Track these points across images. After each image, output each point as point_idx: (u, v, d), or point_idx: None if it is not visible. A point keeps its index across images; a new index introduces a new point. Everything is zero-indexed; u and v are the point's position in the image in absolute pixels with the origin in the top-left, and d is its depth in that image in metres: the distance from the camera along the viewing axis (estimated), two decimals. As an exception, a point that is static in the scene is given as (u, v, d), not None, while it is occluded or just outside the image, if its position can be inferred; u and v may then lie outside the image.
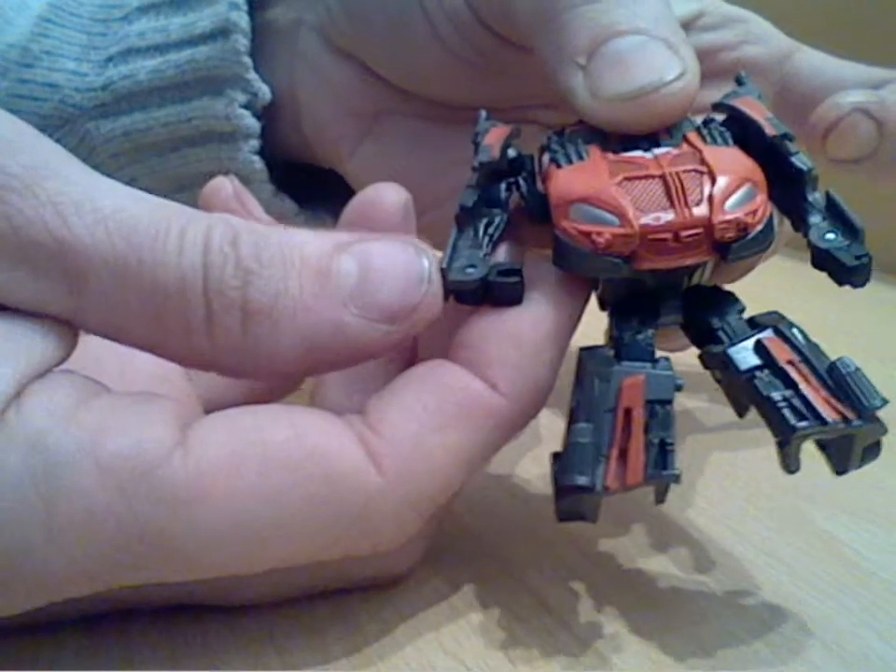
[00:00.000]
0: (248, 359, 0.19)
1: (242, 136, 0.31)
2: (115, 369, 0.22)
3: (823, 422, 0.19)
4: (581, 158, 0.21)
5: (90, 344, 0.20)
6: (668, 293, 0.21)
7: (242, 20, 0.31)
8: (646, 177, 0.21)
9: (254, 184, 0.31)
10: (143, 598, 0.20)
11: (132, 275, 0.18)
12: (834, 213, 0.21)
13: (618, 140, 0.22)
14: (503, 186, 0.23)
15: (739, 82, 0.24)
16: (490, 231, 0.22)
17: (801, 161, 0.22)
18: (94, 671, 0.20)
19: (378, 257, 0.20)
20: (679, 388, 0.20)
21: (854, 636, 0.21)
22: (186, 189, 0.32)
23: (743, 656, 0.20)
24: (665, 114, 0.22)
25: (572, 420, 0.20)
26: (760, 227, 0.20)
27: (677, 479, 0.19)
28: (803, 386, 0.19)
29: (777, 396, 0.19)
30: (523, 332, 0.20)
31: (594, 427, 0.19)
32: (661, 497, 0.20)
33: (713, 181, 0.20)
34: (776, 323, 0.21)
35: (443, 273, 0.21)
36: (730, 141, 0.22)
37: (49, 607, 0.18)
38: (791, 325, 0.21)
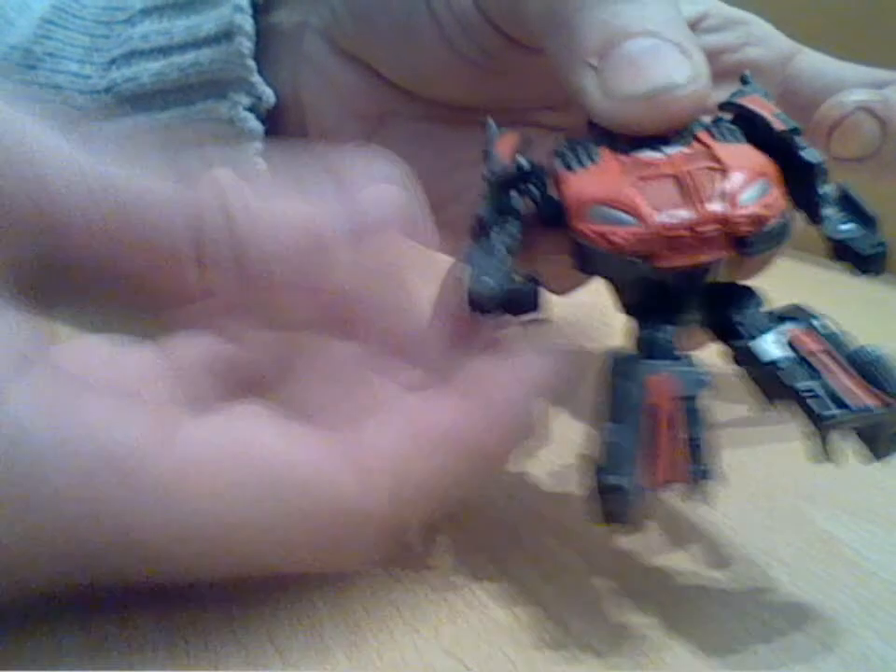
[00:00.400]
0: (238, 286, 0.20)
1: (245, 139, 0.31)
2: (101, 369, 0.22)
3: (849, 410, 0.19)
4: (592, 160, 0.22)
5: (75, 345, 0.20)
6: (688, 291, 0.21)
7: (246, 23, 0.31)
8: (660, 176, 0.21)
9: None
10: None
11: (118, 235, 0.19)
12: (847, 203, 0.21)
13: (628, 142, 0.22)
14: (515, 193, 0.23)
15: (744, 81, 0.24)
16: (505, 239, 0.22)
17: (811, 154, 0.22)
18: (94, 671, 0.20)
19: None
20: (705, 384, 0.20)
21: (854, 636, 0.21)
22: None
23: (742, 656, 0.20)
24: (676, 115, 0.22)
25: (602, 422, 0.20)
26: (776, 220, 0.20)
27: (709, 475, 0.19)
28: (827, 376, 0.19)
29: (801, 386, 0.19)
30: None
31: (623, 426, 0.19)
32: (695, 494, 0.20)
33: (727, 177, 0.20)
34: (796, 314, 0.21)
35: (460, 283, 0.21)
36: (741, 138, 0.22)
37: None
38: (812, 314, 0.21)
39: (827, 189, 0.22)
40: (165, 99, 0.32)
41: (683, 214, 0.20)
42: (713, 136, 0.22)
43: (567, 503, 0.26)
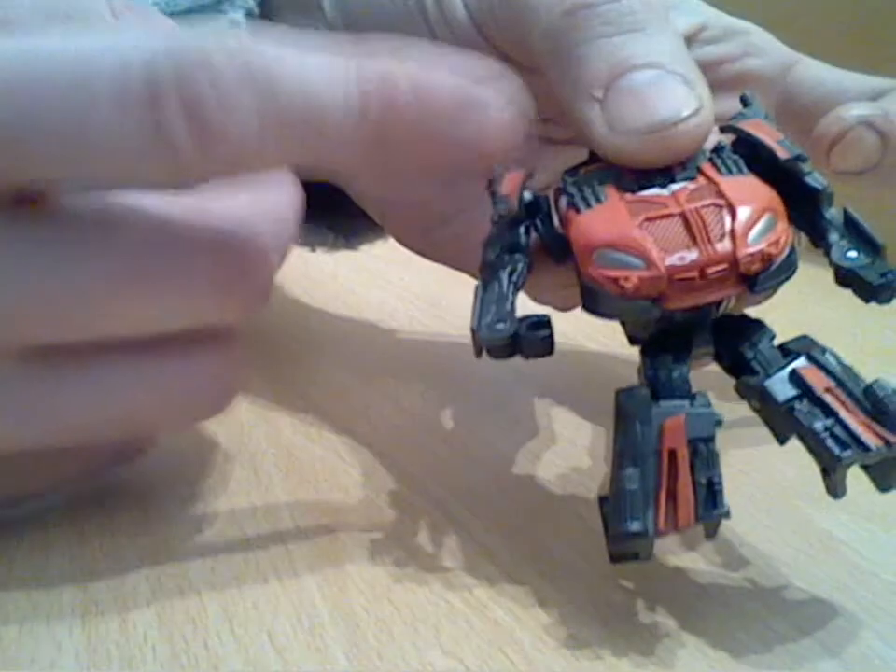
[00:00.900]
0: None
1: None
2: None
3: (866, 448, 0.19)
4: (599, 201, 0.21)
5: None
6: (697, 327, 0.22)
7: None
8: (666, 216, 0.21)
9: None
10: None
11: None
12: (853, 230, 0.21)
13: (632, 176, 0.22)
14: (522, 230, 0.23)
15: (745, 103, 0.24)
16: (514, 279, 0.22)
17: (816, 180, 0.22)
18: (94, 671, 0.20)
19: None
20: (719, 424, 0.20)
21: (854, 636, 0.21)
22: None
23: (742, 656, 0.20)
24: (681, 149, 0.22)
25: (618, 465, 0.20)
26: (783, 255, 0.20)
27: (727, 515, 0.20)
28: (842, 414, 0.19)
29: (818, 426, 0.19)
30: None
31: (640, 471, 0.20)
32: (712, 534, 0.20)
33: (733, 214, 0.20)
34: (808, 349, 0.21)
35: (473, 331, 0.21)
36: (744, 169, 0.22)
37: None
38: (824, 349, 0.21)
39: (832, 213, 0.22)
40: None
41: (692, 255, 0.20)
42: (717, 169, 0.22)
43: (568, 503, 0.26)
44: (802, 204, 0.21)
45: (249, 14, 0.31)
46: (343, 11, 0.30)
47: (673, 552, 0.24)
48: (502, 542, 0.24)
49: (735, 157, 0.22)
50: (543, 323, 0.21)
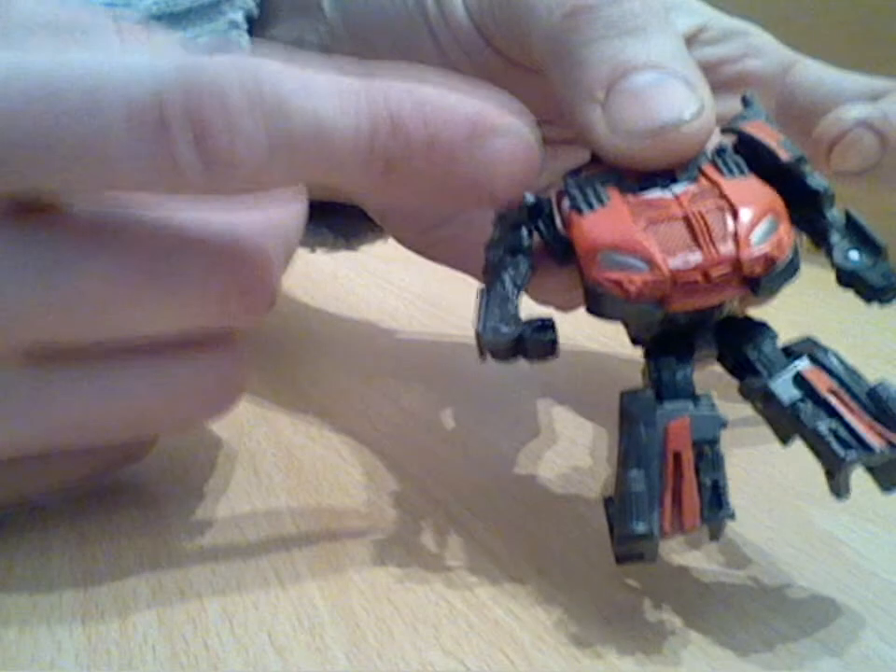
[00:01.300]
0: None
1: None
2: None
3: (870, 450, 0.19)
4: (601, 202, 0.21)
5: None
6: (701, 328, 0.22)
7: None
8: (669, 219, 0.21)
9: None
10: None
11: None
12: (855, 231, 0.21)
13: (634, 178, 0.22)
14: (524, 232, 0.23)
15: (746, 104, 0.24)
16: (517, 281, 0.22)
17: (817, 181, 0.22)
18: (94, 671, 0.20)
19: None
20: (723, 426, 0.20)
21: (855, 636, 0.21)
22: None
23: (741, 656, 0.20)
24: (683, 151, 0.22)
25: (623, 467, 0.20)
26: (786, 257, 0.20)
27: (732, 517, 0.20)
28: (846, 415, 0.19)
29: (822, 427, 0.19)
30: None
31: (645, 473, 0.20)
32: (716, 536, 0.20)
33: (735, 216, 0.20)
34: (812, 351, 0.21)
35: (477, 334, 0.21)
36: (745, 170, 0.22)
37: None
38: (827, 351, 0.21)
39: (834, 214, 0.22)
40: None
41: (696, 258, 0.20)
42: (719, 170, 0.22)
43: (569, 503, 0.26)
44: (803, 206, 0.21)
45: (249, 15, 0.31)
46: (343, 12, 0.30)
47: (675, 551, 0.24)
48: (503, 542, 0.24)
49: (737, 158, 0.22)
50: (547, 326, 0.21)
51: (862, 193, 0.27)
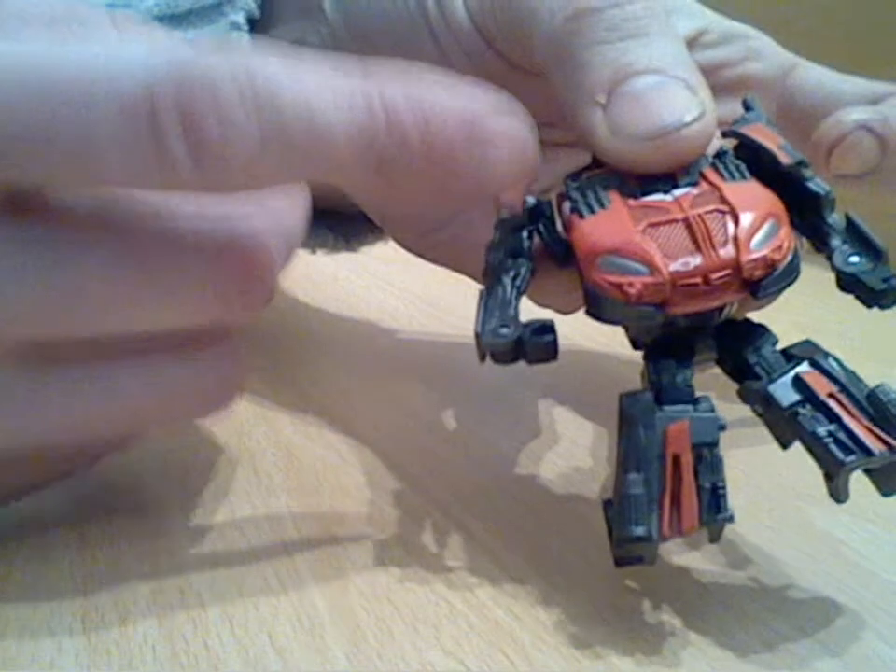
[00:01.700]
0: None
1: None
2: None
3: (870, 453, 0.19)
4: (602, 206, 0.21)
5: None
6: (701, 331, 0.22)
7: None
8: (670, 222, 0.21)
9: None
10: None
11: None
12: (855, 235, 0.21)
13: (635, 181, 0.22)
14: (525, 235, 0.23)
15: (746, 107, 0.24)
16: (517, 283, 0.22)
17: (817, 185, 0.22)
18: (94, 671, 0.20)
19: None
20: (722, 429, 0.20)
21: (855, 636, 0.21)
22: None
23: (741, 656, 0.20)
24: (684, 155, 0.22)
25: (622, 469, 0.20)
26: (786, 261, 0.20)
27: (731, 520, 0.20)
28: (846, 419, 0.19)
29: (822, 431, 0.19)
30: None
31: (644, 475, 0.20)
32: (716, 538, 0.20)
33: (736, 220, 0.20)
34: (811, 354, 0.21)
35: (477, 336, 0.21)
36: (746, 174, 0.22)
37: None
38: (827, 354, 0.21)
39: (835, 218, 0.22)
40: None
41: (696, 262, 0.20)
42: (720, 174, 0.22)
43: (569, 503, 0.26)
44: (804, 209, 0.21)
45: (250, 16, 0.31)
46: (344, 14, 0.30)
47: (675, 552, 0.24)
48: (503, 542, 0.24)
49: (738, 162, 0.22)
50: (547, 328, 0.21)
51: (862, 196, 0.27)
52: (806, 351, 0.21)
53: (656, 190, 0.21)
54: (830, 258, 0.21)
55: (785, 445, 0.21)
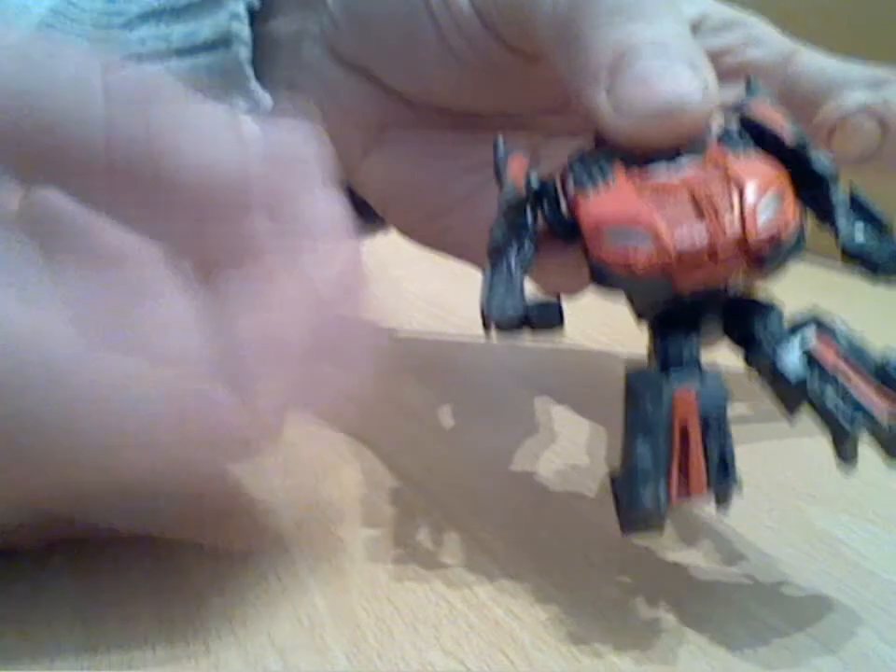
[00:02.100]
0: (149, 175, 0.19)
1: None
2: None
3: (876, 422, 0.19)
4: (606, 182, 0.21)
5: None
6: (707, 304, 0.21)
7: (243, 31, 0.30)
8: (675, 196, 0.21)
9: None
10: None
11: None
12: (860, 210, 0.21)
13: (640, 157, 0.22)
14: (529, 213, 0.23)
15: (749, 87, 0.24)
16: (522, 261, 0.22)
17: (823, 164, 0.22)
18: (94, 671, 0.20)
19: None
20: (730, 396, 0.20)
21: (854, 636, 0.21)
22: None
23: (741, 656, 0.20)
24: (688, 130, 0.22)
25: (629, 441, 0.20)
26: (792, 232, 0.20)
27: (740, 486, 0.20)
28: (852, 388, 0.19)
29: (829, 401, 0.19)
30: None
31: (651, 446, 0.20)
32: (724, 501, 0.20)
33: (741, 192, 0.20)
34: (817, 324, 0.21)
35: (482, 311, 0.21)
36: (751, 147, 0.22)
37: None
38: (833, 323, 0.21)
39: (839, 195, 0.22)
40: None
41: (701, 234, 0.20)
42: (724, 150, 0.22)
43: (567, 502, 0.26)
44: (808, 186, 0.21)
45: (250, 6, 0.31)
46: (345, 3, 0.30)
47: (674, 550, 0.24)
48: (502, 541, 0.24)
49: (742, 138, 0.22)
50: (552, 304, 0.21)
51: (862, 180, 0.27)
52: (813, 320, 0.21)
53: (660, 165, 0.22)
54: (835, 234, 0.21)
55: (792, 412, 0.21)
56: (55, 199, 0.20)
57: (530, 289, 0.22)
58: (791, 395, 0.20)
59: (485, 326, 0.21)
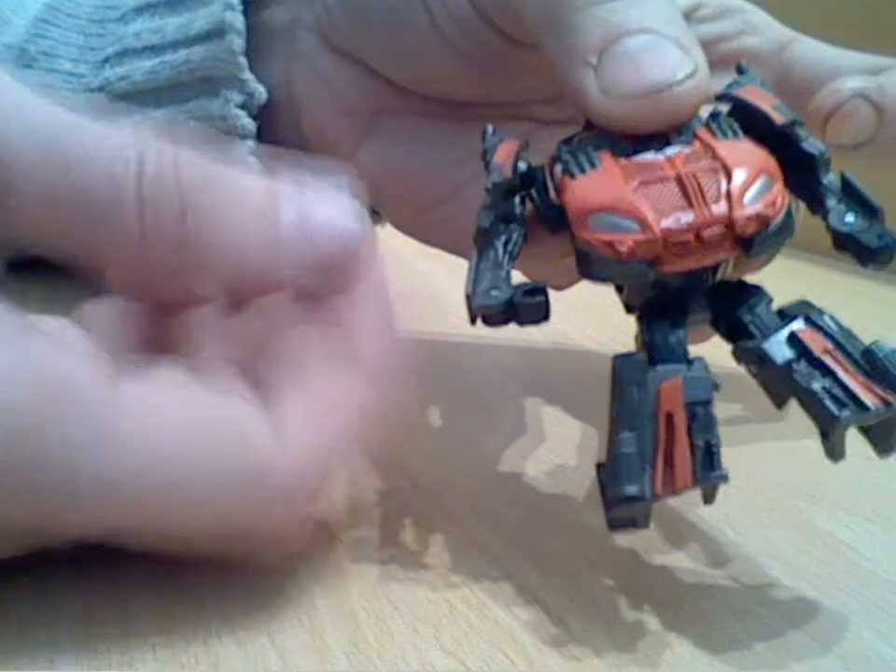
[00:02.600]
0: (180, 251, 0.19)
1: (238, 137, 0.31)
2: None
3: (865, 408, 0.19)
4: (593, 166, 0.21)
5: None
6: (694, 291, 0.21)
7: (237, 20, 0.31)
8: (662, 180, 0.21)
9: None
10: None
11: (58, 176, 0.19)
12: (851, 194, 0.21)
13: (627, 141, 0.22)
14: (517, 200, 0.22)
15: (740, 71, 0.24)
16: (509, 248, 0.22)
17: (812, 145, 0.22)
18: (94, 671, 0.20)
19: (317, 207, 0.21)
20: (716, 388, 0.20)
21: (854, 636, 0.21)
22: None
23: (742, 657, 0.20)
24: (676, 112, 0.22)
25: (614, 430, 0.20)
26: (780, 218, 0.20)
27: (725, 479, 0.19)
28: (841, 374, 0.19)
29: (816, 387, 0.19)
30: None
31: (636, 434, 0.19)
32: (710, 498, 0.20)
33: (729, 176, 0.20)
34: (804, 311, 0.21)
35: (468, 297, 0.21)
36: (739, 133, 0.22)
37: None
38: (822, 312, 0.21)
39: (830, 179, 0.22)
40: (158, 97, 0.32)
41: (688, 218, 0.20)
42: (713, 133, 0.22)
43: (566, 502, 0.26)
44: (799, 170, 0.21)
45: None
46: None
47: (675, 550, 0.24)
48: (504, 542, 0.24)
49: (731, 121, 0.22)
50: (538, 289, 0.21)
51: (858, 168, 0.27)
52: (801, 309, 0.21)
53: (648, 150, 0.21)
54: (825, 218, 0.21)
55: (780, 405, 0.20)
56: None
57: (518, 278, 0.22)
58: (777, 377, 0.20)
59: (470, 312, 0.21)
